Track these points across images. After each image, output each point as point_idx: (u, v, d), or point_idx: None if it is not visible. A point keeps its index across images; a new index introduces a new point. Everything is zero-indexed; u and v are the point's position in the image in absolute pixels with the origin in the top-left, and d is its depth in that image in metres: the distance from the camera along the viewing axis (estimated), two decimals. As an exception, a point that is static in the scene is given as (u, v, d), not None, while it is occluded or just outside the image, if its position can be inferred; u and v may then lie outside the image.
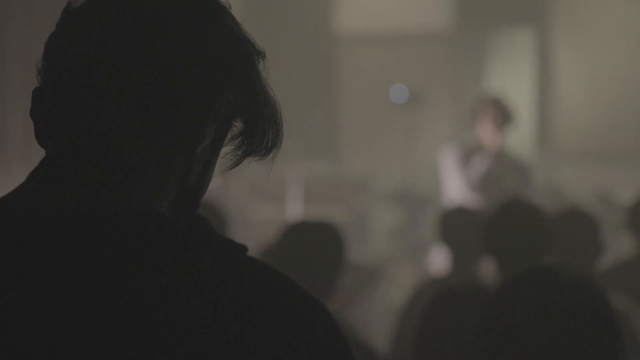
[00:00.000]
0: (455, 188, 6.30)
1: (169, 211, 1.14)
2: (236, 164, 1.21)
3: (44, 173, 1.11)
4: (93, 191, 1.07)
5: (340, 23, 9.20)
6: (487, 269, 3.77)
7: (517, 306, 1.83)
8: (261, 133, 1.19)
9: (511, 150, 6.64)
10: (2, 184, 6.42)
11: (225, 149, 1.20)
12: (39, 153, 1.14)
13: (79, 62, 1.11)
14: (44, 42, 1.15)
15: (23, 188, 1.10)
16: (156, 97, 1.10)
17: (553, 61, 9.00)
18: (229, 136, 1.19)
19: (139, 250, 1.02)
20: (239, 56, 1.16)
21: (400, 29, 9.12)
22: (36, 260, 1.03)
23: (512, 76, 9.05)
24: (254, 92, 1.17)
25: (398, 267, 8.25)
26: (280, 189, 7.99)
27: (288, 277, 1.08)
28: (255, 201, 8.32)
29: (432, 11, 9.09)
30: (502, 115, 6.32)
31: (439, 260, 6.25)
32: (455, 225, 4.12)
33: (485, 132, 6.32)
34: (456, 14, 9.09)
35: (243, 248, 1.08)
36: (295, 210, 7.68)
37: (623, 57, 8.78)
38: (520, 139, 9.05)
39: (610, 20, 8.80)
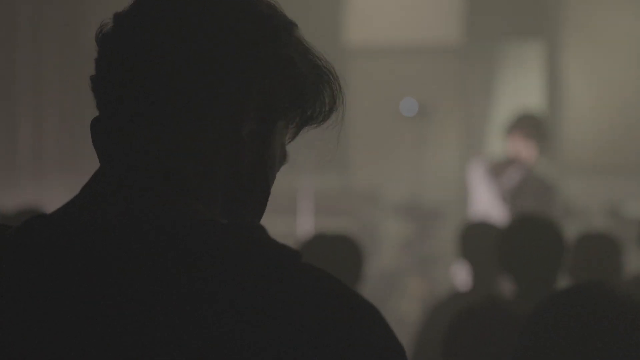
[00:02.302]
0: (484, 201, 6.28)
1: (225, 212, 1.12)
2: (293, 136, 1.17)
3: (88, 185, 1.11)
4: (119, 200, 1.07)
5: (349, 36, 9.21)
6: (507, 285, 3.76)
7: (562, 323, 1.80)
8: (312, 101, 1.14)
9: (539, 170, 6.64)
10: (12, 197, 6.44)
11: (282, 123, 1.14)
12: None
13: (114, 70, 1.10)
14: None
15: (71, 201, 1.10)
16: (187, 99, 1.08)
17: (562, 73, 9.00)
18: (282, 117, 1.14)
19: (138, 251, 1.02)
20: (266, 38, 1.11)
21: (410, 41, 9.12)
22: (36, 262, 1.04)
23: (520, 89, 9.04)
24: (290, 67, 1.12)
25: (407, 279, 8.25)
26: (290, 201, 7.99)
27: (337, 283, 1.04)
28: (265, 214, 8.30)
29: (441, 24, 9.10)
30: (536, 130, 6.34)
31: (460, 274, 6.24)
32: (475, 241, 4.08)
33: (519, 146, 6.33)
34: (465, 26, 9.09)
35: (293, 255, 1.05)
36: (305, 222, 7.68)
37: (632, 69, 8.77)
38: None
39: (619, 32, 8.80)
